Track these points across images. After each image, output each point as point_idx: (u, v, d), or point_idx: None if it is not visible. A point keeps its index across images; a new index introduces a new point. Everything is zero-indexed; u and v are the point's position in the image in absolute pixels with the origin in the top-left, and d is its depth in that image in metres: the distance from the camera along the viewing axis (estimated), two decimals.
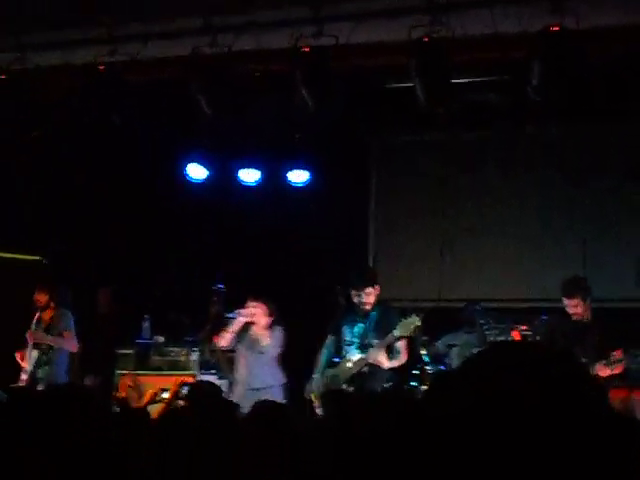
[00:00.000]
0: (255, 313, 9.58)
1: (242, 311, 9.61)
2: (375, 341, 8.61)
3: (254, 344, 9.57)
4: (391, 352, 8.61)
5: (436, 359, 10.14)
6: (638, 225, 11.45)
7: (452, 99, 9.32)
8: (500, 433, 1.35)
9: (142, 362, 11.33)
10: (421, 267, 12.23)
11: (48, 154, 11.62)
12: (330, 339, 9.04)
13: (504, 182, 11.99)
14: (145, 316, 11.51)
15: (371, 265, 12.49)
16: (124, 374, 11.26)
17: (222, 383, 10.30)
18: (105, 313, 11.43)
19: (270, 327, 9.62)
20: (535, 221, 11.81)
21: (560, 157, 11.76)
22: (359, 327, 8.75)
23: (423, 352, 9.93)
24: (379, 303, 8.84)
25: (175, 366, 11.19)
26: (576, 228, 11.58)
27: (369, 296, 8.70)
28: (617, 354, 7.98)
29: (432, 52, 8.84)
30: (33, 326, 9.86)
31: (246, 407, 4.60)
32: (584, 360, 7.88)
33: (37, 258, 11.69)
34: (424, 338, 9.80)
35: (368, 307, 8.74)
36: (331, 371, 8.81)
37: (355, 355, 8.72)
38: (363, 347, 8.67)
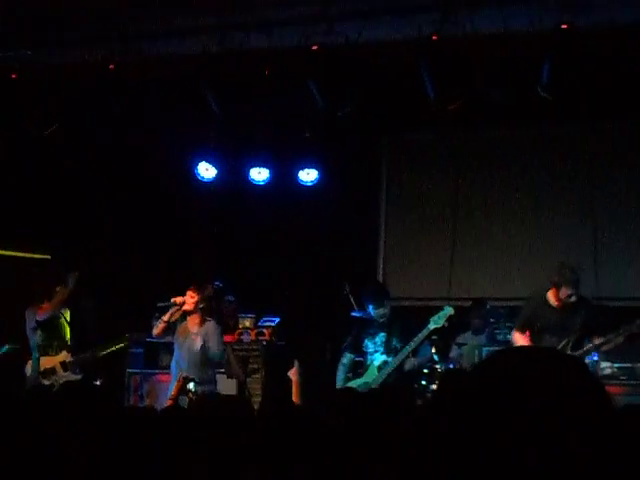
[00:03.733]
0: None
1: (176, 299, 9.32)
2: (400, 345, 8.88)
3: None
4: (418, 352, 8.91)
5: (446, 358, 10.13)
6: None
7: (462, 97, 9.31)
8: (503, 425, 1.36)
9: (152, 361, 11.35)
10: (431, 266, 12.22)
11: (58, 151, 11.64)
12: (347, 357, 9.24)
13: (515, 179, 11.98)
14: (156, 314, 11.50)
15: (381, 263, 12.50)
16: (134, 373, 11.29)
17: (231, 382, 10.31)
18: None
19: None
20: (547, 219, 11.79)
21: (571, 153, 11.74)
22: (381, 336, 9.00)
23: (433, 351, 9.92)
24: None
25: None
26: (588, 226, 11.56)
27: (387, 309, 8.97)
28: (595, 340, 8.03)
29: (442, 50, 8.84)
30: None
31: None
32: (560, 346, 7.98)
33: (45, 257, 11.70)
34: (434, 337, 9.80)
35: (385, 318, 9.01)
36: (358, 382, 8.90)
37: (381, 359, 8.95)
38: (389, 352, 8.93)
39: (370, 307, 9.03)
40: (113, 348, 9.45)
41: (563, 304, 8.32)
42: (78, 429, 3.63)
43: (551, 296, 8.40)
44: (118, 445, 3.62)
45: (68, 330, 9.58)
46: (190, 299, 9.11)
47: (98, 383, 9.93)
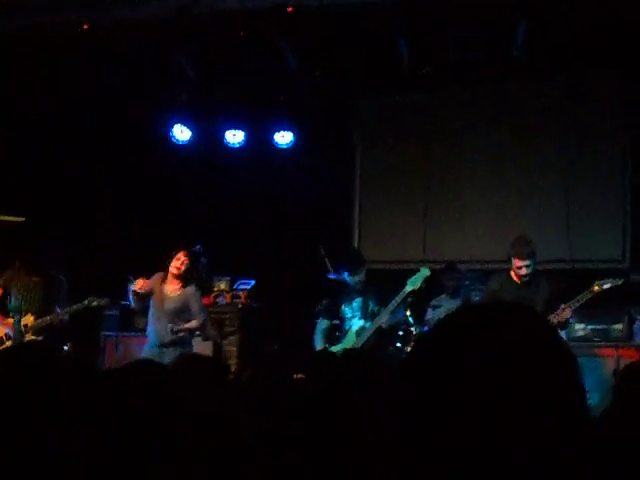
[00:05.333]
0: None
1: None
2: (377, 308, 8.96)
3: None
4: (394, 314, 8.94)
5: (421, 321, 10.15)
6: (622, 186, 11.49)
7: (437, 59, 9.30)
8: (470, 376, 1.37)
9: (126, 323, 11.34)
10: (405, 229, 12.22)
11: (29, 116, 11.56)
12: (324, 323, 9.30)
13: (487, 143, 11.96)
14: (129, 277, 11.47)
15: (356, 226, 12.52)
16: (109, 335, 11.30)
17: (207, 344, 10.33)
18: None
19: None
20: (519, 182, 11.80)
21: (543, 115, 11.74)
22: (358, 301, 9.08)
23: (408, 313, 9.95)
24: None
25: None
26: (561, 188, 11.58)
27: (362, 275, 9.05)
28: (565, 311, 8.08)
29: (415, 12, 8.81)
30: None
31: None
32: None
33: (19, 219, 11.62)
34: (409, 300, 9.82)
35: (361, 284, 9.08)
36: (337, 347, 8.86)
37: (359, 324, 9.01)
38: (366, 316, 9.00)
39: (346, 274, 9.10)
40: (73, 309, 9.40)
41: (520, 279, 8.36)
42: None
43: (513, 273, 8.46)
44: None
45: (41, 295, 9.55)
46: (179, 262, 9.03)
47: (66, 347, 9.95)
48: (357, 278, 9.00)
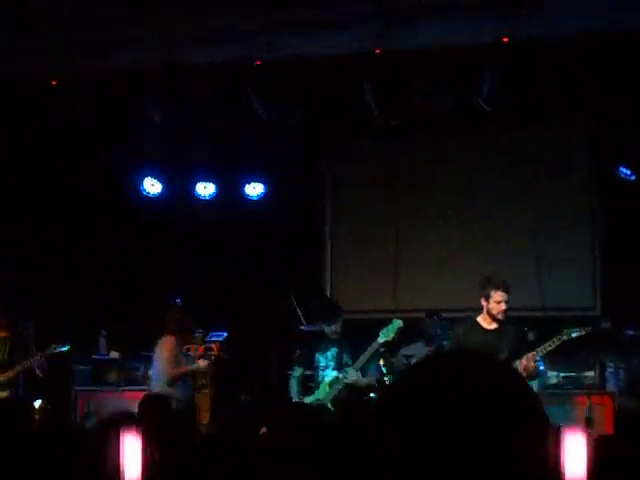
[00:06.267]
0: None
1: None
2: (351, 360, 8.96)
3: None
4: (367, 368, 8.98)
5: (394, 371, 10.13)
6: (591, 234, 11.59)
7: (405, 109, 9.38)
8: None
9: (99, 378, 11.25)
10: (377, 279, 12.24)
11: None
12: (298, 371, 9.27)
13: (458, 192, 12.04)
14: (101, 332, 11.41)
15: (329, 276, 12.53)
16: (81, 390, 11.18)
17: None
18: None
19: None
20: (489, 232, 11.87)
21: (512, 162, 11.85)
22: (332, 351, 9.06)
23: (381, 363, 9.93)
24: None
25: (133, 381, 11.12)
26: (531, 235, 11.65)
27: (338, 325, 9.03)
28: (530, 359, 8.07)
29: (384, 66, 8.90)
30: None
31: None
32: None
33: None
34: (382, 350, 9.81)
35: (337, 334, 9.07)
36: (310, 398, 8.93)
37: (332, 375, 8.99)
38: (340, 367, 8.99)
39: (323, 324, 9.10)
40: (32, 360, 9.40)
41: (494, 319, 8.33)
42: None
43: (481, 319, 8.41)
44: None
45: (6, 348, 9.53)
46: None
47: (38, 403, 9.84)
48: (333, 327, 9.00)
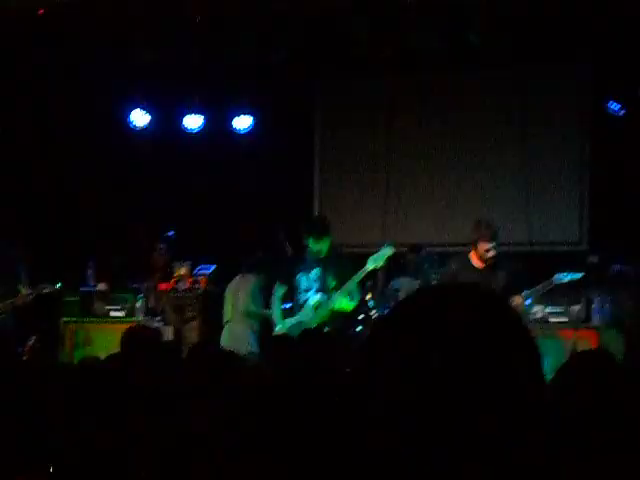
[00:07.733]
0: None
1: None
2: (335, 283, 8.55)
3: None
4: (351, 295, 8.57)
5: (381, 304, 10.16)
6: (579, 170, 11.61)
7: (396, 43, 9.31)
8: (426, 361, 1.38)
9: (87, 309, 11.26)
10: (366, 212, 12.25)
11: None
12: (280, 290, 8.91)
13: (447, 126, 12.02)
14: (89, 263, 11.41)
15: (316, 210, 12.52)
16: (69, 321, 11.20)
17: (168, 329, 10.32)
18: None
19: None
20: (479, 165, 11.87)
21: (503, 100, 11.83)
22: (316, 271, 8.63)
23: (368, 297, 9.93)
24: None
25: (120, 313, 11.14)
26: (519, 169, 11.67)
27: (326, 244, 8.60)
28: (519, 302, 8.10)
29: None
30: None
31: None
32: None
33: None
34: (369, 283, 9.80)
35: (322, 254, 8.64)
36: (293, 320, 8.65)
37: (316, 299, 8.60)
38: (323, 290, 8.60)
39: (310, 240, 8.59)
40: (31, 294, 9.38)
41: (484, 262, 8.35)
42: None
43: (473, 256, 8.42)
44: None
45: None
46: None
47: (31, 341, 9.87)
48: (318, 246, 8.53)
